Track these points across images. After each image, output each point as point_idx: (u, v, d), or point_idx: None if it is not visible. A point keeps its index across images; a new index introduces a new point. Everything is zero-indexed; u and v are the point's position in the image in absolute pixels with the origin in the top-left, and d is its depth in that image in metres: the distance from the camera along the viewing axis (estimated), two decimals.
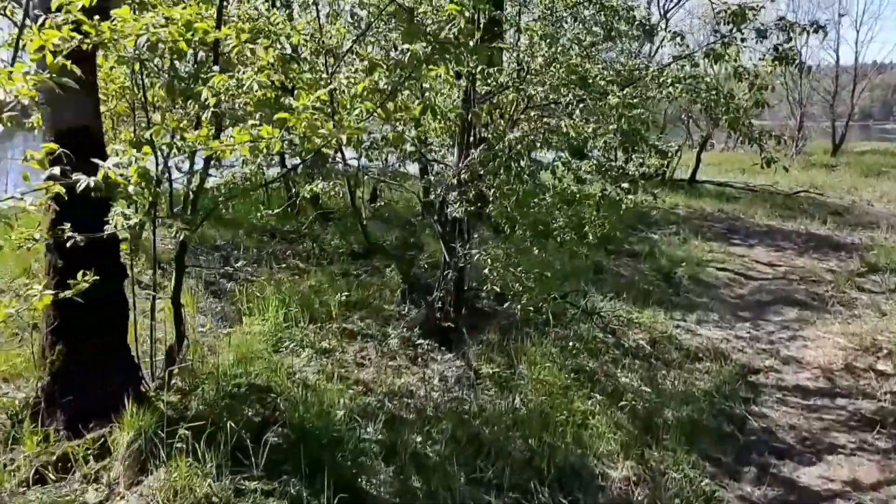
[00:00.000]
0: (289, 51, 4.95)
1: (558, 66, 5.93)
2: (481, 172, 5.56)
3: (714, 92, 5.96)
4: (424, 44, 3.56)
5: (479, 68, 5.82)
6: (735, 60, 6.13)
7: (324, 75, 5.63)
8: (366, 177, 10.27)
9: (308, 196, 9.90)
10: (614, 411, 5.02)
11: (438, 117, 7.10)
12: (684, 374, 6.00)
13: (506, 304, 5.39)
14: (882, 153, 30.49)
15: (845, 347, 6.85)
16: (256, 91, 3.58)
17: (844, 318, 7.88)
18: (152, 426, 3.90)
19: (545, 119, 7.10)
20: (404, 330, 6.41)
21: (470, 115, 6.44)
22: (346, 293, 7.20)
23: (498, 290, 5.29)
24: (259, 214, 10.51)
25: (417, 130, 7.95)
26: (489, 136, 5.70)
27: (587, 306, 7.35)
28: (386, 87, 4.16)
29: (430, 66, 3.69)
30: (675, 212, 15.13)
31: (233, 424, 4.03)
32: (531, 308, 5.19)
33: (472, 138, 6.48)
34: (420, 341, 6.18)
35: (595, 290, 8.20)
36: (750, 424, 5.29)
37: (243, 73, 3.71)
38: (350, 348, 6.25)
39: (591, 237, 8.27)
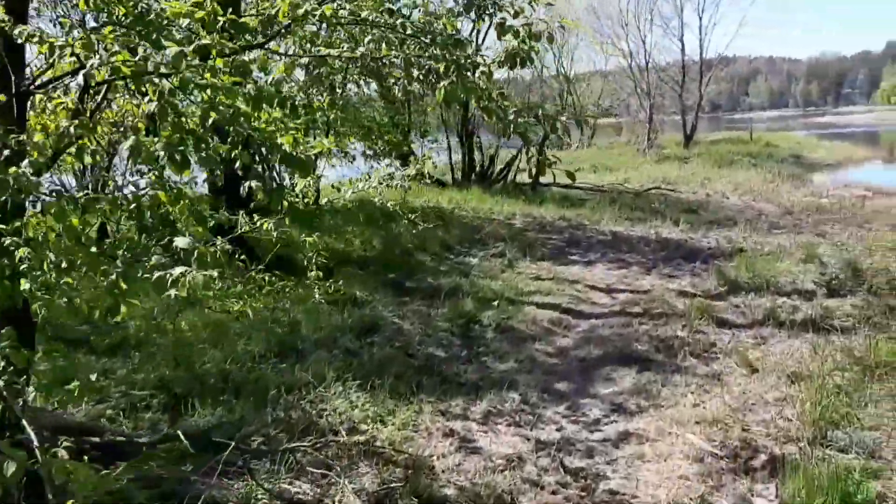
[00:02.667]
0: None
1: None
2: None
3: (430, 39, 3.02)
4: None
5: None
6: None
7: None
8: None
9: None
10: None
11: None
12: None
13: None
14: (733, 141, 29.60)
15: (702, 455, 4.10)
16: None
17: (700, 384, 5.20)
18: None
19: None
20: None
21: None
22: None
23: None
24: None
25: None
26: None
27: (271, 443, 4.24)
28: None
29: None
30: (511, 222, 12.46)
31: None
32: None
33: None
34: None
35: (343, 374, 5.15)
36: None
37: None
38: None
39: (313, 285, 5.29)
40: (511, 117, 3.00)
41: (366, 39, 2.94)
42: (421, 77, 3.12)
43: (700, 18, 26.45)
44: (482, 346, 6.11)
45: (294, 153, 2.60)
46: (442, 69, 2.90)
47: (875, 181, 20.04)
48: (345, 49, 3.13)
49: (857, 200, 17.08)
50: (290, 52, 3.17)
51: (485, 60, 3.11)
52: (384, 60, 3.32)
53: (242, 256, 4.92)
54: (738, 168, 22.08)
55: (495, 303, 7.20)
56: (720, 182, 18.75)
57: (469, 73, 2.96)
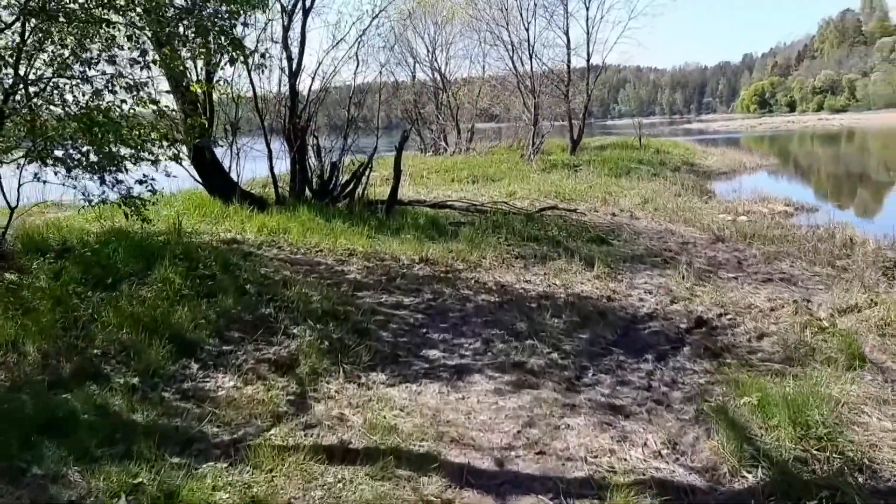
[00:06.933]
0: None
1: None
2: None
3: None
4: None
5: None
6: None
7: None
8: None
9: None
10: None
11: None
12: None
13: None
14: (622, 147, 26.10)
15: None
16: None
17: None
18: None
19: None
20: None
21: None
22: None
23: None
24: None
25: None
26: None
27: None
28: None
29: None
30: (341, 271, 7.50)
31: None
32: None
33: None
34: None
35: None
36: None
37: None
38: None
39: None
40: None
41: None
42: None
43: (587, 8, 22.57)
44: None
45: None
46: None
47: (784, 193, 17.29)
48: None
49: (781, 218, 13.69)
50: None
51: None
52: None
53: None
54: (636, 178, 18.37)
55: None
56: (624, 197, 14.75)
57: None
